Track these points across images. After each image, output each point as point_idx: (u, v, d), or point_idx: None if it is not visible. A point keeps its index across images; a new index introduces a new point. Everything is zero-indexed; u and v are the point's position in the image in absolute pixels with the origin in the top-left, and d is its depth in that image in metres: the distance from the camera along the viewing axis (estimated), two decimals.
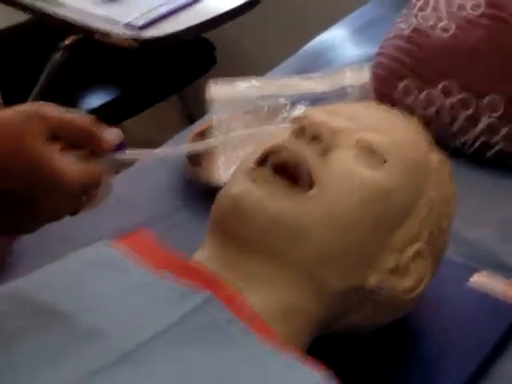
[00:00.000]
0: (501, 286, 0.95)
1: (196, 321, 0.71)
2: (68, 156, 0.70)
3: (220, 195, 0.81)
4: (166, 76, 2.00)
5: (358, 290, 0.79)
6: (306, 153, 0.79)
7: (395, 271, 0.80)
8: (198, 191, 1.15)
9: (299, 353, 0.72)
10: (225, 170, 1.14)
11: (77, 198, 0.71)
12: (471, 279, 0.96)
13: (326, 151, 0.79)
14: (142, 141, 2.22)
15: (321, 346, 0.79)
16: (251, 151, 0.84)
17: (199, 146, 0.85)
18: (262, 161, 0.80)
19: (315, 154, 0.79)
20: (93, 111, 1.84)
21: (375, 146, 0.81)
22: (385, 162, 0.80)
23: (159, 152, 0.80)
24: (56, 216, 0.72)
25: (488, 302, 0.93)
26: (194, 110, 2.15)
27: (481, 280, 0.96)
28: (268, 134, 0.85)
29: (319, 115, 0.83)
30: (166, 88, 2.03)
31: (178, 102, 2.19)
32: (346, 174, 0.79)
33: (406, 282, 0.80)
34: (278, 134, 0.83)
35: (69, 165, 0.69)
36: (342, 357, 0.83)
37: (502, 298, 0.93)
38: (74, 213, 0.74)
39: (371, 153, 0.80)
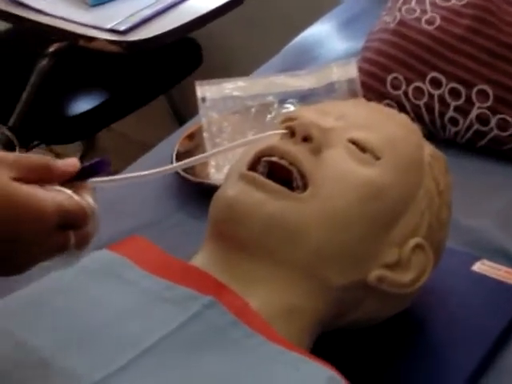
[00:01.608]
0: (502, 274, 0.96)
1: (199, 326, 0.71)
2: (38, 188, 0.68)
3: (215, 198, 0.81)
4: (153, 77, 2.00)
5: (360, 286, 0.79)
6: (298, 153, 0.79)
7: (396, 265, 0.80)
8: (192, 193, 1.15)
9: (304, 352, 0.73)
10: (217, 170, 1.14)
11: (58, 229, 0.68)
12: (474, 267, 0.96)
13: (317, 151, 0.79)
14: (133, 142, 2.23)
15: (325, 343, 0.79)
16: (243, 153, 0.84)
17: (190, 162, 0.85)
18: (255, 163, 0.80)
19: (307, 154, 0.79)
20: (81, 116, 1.84)
21: (367, 144, 0.81)
22: (378, 159, 0.80)
23: (147, 174, 0.79)
24: (44, 253, 0.69)
25: (493, 287, 0.93)
26: (183, 109, 2.15)
27: (483, 268, 0.96)
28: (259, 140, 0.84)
29: (309, 115, 0.83)
30: (153, 89, 2.03)
31: (166, 103, 2.19)
32: (340, 173, 0.79)
33: (408, 276, 0.81)
34: (270, 137, 0.82)
35: (42, 194, 0.67)
36: (347, 351, 0.83)
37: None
38: (63, 249, 0.70)
39: (363, 151, 0.81)
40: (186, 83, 1.87)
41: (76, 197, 0.70)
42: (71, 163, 0.71)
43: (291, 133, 0.80)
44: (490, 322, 0.90)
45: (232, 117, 1.20)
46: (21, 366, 0.69)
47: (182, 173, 1.14)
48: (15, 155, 0.70)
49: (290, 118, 0.84)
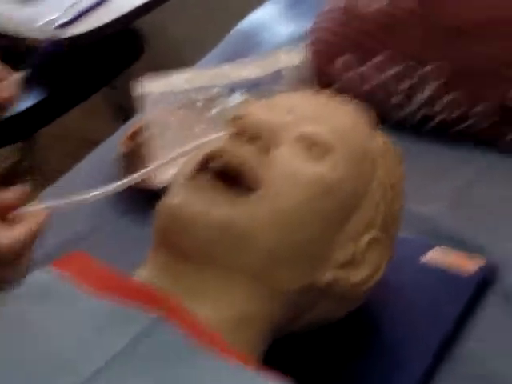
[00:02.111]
0: (456, 260, 0.94)
1: (147, 344, 0.67)
2: None
3: (160, 206, 0.78)
4: (94, 70, 1.96)
5: (314, 288, 0.77)
6: (247, 154, 0.76)
7: (350, 263, 0.78)
8: (135, 198, 1.10)
9: (257, 362, 0.70)
10: (162, 173, 1.10)
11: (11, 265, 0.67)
12: (426, 256, 0.94)
13: (267, 150, 0.76)
14: (76, 139, 2.18)
15: (278, 347, 0.77)
16: (190, 156, 0.80)
17: (135, 178, 0.81)
18: (202, 166, 0.76)
19: (256, 154, 0.76)
20: (24, 113, 1.78)
21: (316, 138, 0.78)
22: (329, 152, 0.78)
23: (89, 197, 0.78)
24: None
25: (445, 277, 0.91)
26: (127, 101, 2.10)
27: (436, 256, 0.94)
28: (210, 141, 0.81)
29: (256, 113, 0.80)
30: (95, 82, 1.99)
31: (110, 95, 2.15)
32: (289, 171, 0.76)
33: (363, 272, 0.79)
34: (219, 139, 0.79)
35: None
36: (299, 355, 0.81)
37: (458, 272, 0.92)
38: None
39: (313, 145, 0.78)
40: (129, 75, 1.83)
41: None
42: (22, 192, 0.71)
43: (239, 133, 0.77)
44: (444, 311, 0.88)
45: (177, 112, 1.17)
46: None
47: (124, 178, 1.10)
48: None
49: (237, 117, 0.80)
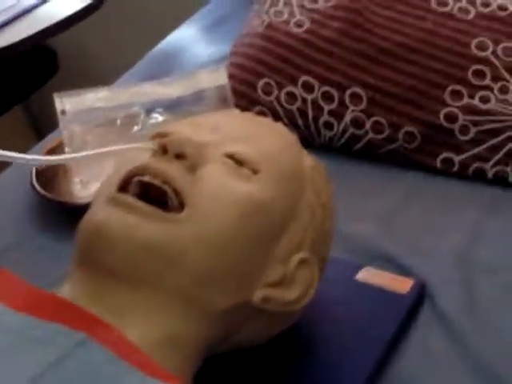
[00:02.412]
0: (386, 280, 0.94)
1: (71, 365, 0.65)
2: None
3: (82, 223, 0.75)
4: (6, 87, 1.91)
5: (244, 307, 0.75)
6: (172, 172, 0.74)
7: (281, 283, 0.77)
8: (55, 213, 1.08)
9: (187, 383, 0.69)
10: (82, 187, 1.08)
11: None
12: (358, 275, 0.94)
13: (193, 168, 0.75)
14: None
15: (209, 366, 0.76)
16: (112, 173, 0.78)
17: (53, 159, 0.78)
18: (125, 183, 0.74)
19: (182, 172, 0.74)
20: None
21: (244, 158, 0.77)
22: (256, 172, 0.77)
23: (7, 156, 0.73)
24: None
25: (378, 295, 0.92)
26: (40, 121, 2.06)
27: (366, 276, 0.94)
28: (129, 150, 0.79)
29: (181, 130, 0.78)
30: (7, 100, 1.94)
31: (22, 114, 2.10)
32: (217, 190, 0.74)
33: (294, 292, 0.78)
34: (139, 153, 0.77)
35: None
36: (232, 373, 0.80)
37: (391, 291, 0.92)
38: None
39: (240, 165, 0.76)
40: (43, 93, 1.79)
41: None
42: None
43: (163, 150, 0.75)
44: (377, 331, 0.88)
45: (95, 130, 1.14)
46: None
47: (43, 192, 1.07)
48: None
49: (161, 134, 0.79)
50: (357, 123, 1.17)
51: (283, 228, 0.77)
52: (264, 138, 0.81)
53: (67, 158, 0.82)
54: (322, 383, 0.83)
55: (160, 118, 1.16)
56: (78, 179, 1.08)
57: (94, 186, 1.05)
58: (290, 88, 1.19)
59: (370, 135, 1.17)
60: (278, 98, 1.19)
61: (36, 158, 0.79)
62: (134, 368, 0.65)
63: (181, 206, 0.73)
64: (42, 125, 2.04)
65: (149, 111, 1.17)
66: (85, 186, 1.07)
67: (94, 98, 1.16)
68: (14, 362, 0.65)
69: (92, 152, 0.79)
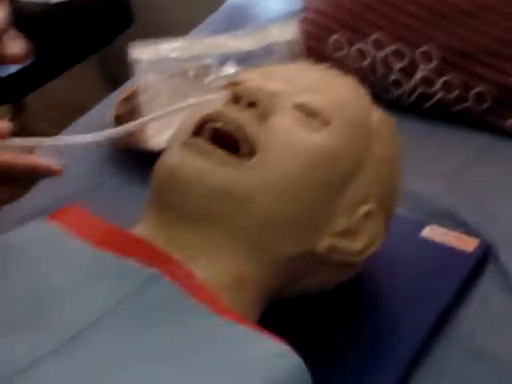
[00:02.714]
0: (451, 238, 0.94)
1: (143, 299, 0.68)
2: None
3: (158, 166, 0.78)
4: (82, 37, 1.94)
5: (309, 255, 0.77)
6: (244, 119, 0.75)
7: (346, 233, 0.78)
8: (129, 158, 1.11)
9: (253, 325, 0.70)
10: (155, 135, 1.10)
11: None
12: (423, 233, 0.95)
13: (264, 117, 0.76)
14: (64, 105, 2.16)
15: (271, 312, 0.77)
16: (186, 119, 0.80)
17: (127, 127, 0.81)
18: (198, 129, 0.76)
19: (253, 120, 0.76)
20: (10, 77, 1.76)
21: (315, 108, 0.78)
22: (327, 123, 0.78)
23: (81, 139, 0.76)
24: None
25: (444, 253, 0.92)
26: (115, 71, 2.08)
27: (431, 234, 0.95)
28: (203, 102, 0.81)
29: (254, 79, 0.80)
30: (83, 50, 1.96)
31: (98, 64, 2.13)
32: (288, 139, 0.76)
33: (358, 244, 0.79)
34: (213, 101, 0.79)
35: None
36: (293, 321, 0.81)
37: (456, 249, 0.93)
38: None
39: (312, 115, 0.78)
40: (118, 44, 1.82)
41: None
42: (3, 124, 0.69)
43: (236, 98, 0.77)
44: (440, 287, 0.89)
45: (168, 80, 1.16)
46: None
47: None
48: None
49: (234, 83, 0.80)
50: (427, 82, 1.17)
51: (350, 179, 0.78)
52: (334, 89, 0.82)
53: (146, 120, 0.84)
54: (384, 335, 0.84)
55: (231, 71, 1.18)
56: (152, 127, 1.10)
57: (166, 134, 1.08)
58: (360, 45, 1.19)
59: (440, 94, 1.17)
60: (348, 55, 1.20)
61: (119, 129, 0.81)
62: (202, 305, 0.68)
63: (251, 153, 0.75)
64: (115, 75, 2.07)
65: (221, 63, 1.19)
66: (157, 134, 1.09)
67: (169, 48, 1.19)
68: (90, 293, 0.69)
69: (170, 108, 0.81)
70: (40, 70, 1.85)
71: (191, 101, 0.80)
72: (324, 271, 0.80)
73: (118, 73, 1.98)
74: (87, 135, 0.77)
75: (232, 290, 0.73)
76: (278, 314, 0.78)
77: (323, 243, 0.77)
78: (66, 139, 0.76)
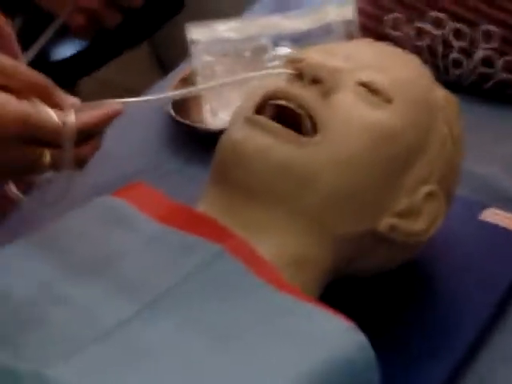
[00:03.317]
0: (510, 221, 0.93)
1: (208, 275, 0.68)
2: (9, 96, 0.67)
3: (221, 142, 0.78)
4: (134, 22, 1.94)
5: (370, 234, 0.77)
6: (307, 97, 0.75)
7: (408, 213, 0.77)
8: (187, 138, 1.11)
9: (316, 302, 0.70)
10: (212, 115, 1.11)
11: (26, 143, 0.67)
12: (481, 216, 0.94)
13: (327, 94, 0.76)
14: (116, 88, 2.17)
15: (330, 292, 0.77)
16: (247, 96, 0.79)
17: (186, 91, 0.82)
18: (261, 106, 0.76)
19: (316, 97, 0.75)
20: (63, 62, 1.78)
21: (377, 87, 0.77)
22: (389, 101, 0.77)
23: (143, 100, 0.77)
24: (9, 166, 0.68)
25: (501, 235, 0.91)
26: (165, 55, 2.09)
27: (491, 216, 0.93)
28: (260, 78, 0.81)
29: (316, 56, 0.79)
30: (135, 34, 1.97)
31: (149, 48, 2.14)
32: (351, 116, 0.75)
33: (420, 224, 0.78)
34: (273, 79, 0.79)
35: (5, 99, 0.66)
36: (351, 301, 0.80)
37: None
38: (35, 166, 0.68)
39: (375, 93, 0.77)
40: (169, 28, 1.82)
41: (52, 113, 0.68)
42: (72, 99, 0.71)
43: (298, 75, 0.76)
44: (499, 270, 0.87)
45: (224, 60, 1.16)
46: (42, 302, 0.66)
47: (178, 117, 1.10)
48: (14, 63, 0.69)
49: (296, 60, 0.79)
50: (487, 62, 1.14)
51: (413, 158, 0.77)
52: (397, 67, 0.81)
53: (205, 87, 0.85)
54: (446, 317, 0.83)
55: (287, 50, 1.17)
56: (209, 107, 1.11)
57: (224, 114, 1.08)
58: (419, 23, 1.18)
59: (501, 75, 1.15)
60: (406, 34, 1.18)
61: (173, 93, 0.83)
62: (265, 282, 0.68)
63: (314, 131, 0.74)
64: (166, 59, 2.07)
65: (276, 44, 1.18)
66: (214, 114, 1.10)
67: (225, 28, 1.18)
68: (156, 266, 0.70)
69: (229, 79, 0.82)
70: (93, 54, 1.86)
71: (250, 74, 0.80)
72: (383, 252, 0.79)
73: (168, 57, 1.99)
74: (150, 96, 0.79)
75: (292, 269, 0.73)
76: (336, 294, 0.77)
77: (384, 222, 0.76)
78: (128, 100, 0.75)
